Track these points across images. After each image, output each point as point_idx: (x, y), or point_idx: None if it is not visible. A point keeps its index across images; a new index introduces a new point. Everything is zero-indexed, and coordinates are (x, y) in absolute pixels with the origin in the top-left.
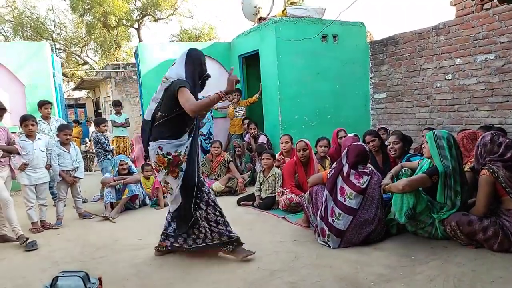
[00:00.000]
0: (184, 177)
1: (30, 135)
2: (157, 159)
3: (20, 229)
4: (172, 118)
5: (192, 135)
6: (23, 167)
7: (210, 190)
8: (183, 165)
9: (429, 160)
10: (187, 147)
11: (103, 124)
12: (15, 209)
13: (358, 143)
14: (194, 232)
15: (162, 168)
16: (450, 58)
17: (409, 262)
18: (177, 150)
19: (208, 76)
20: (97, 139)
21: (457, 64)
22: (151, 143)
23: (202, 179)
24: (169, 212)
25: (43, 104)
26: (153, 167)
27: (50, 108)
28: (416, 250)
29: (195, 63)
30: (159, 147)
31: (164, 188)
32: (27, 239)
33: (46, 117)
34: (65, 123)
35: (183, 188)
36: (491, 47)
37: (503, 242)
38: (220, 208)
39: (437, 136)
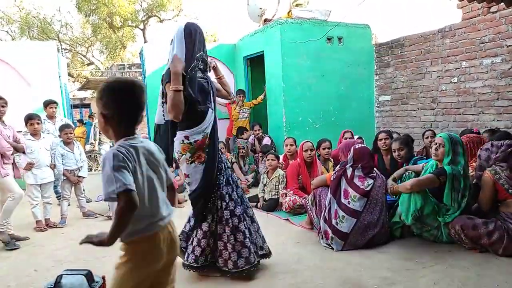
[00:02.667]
0: (207, 162)
1: (35, 134)
2: (181, 148)
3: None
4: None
5: (213, 110)
6: (29, 166)
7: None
8: (209, 149)
9: (435, 163)
10: (209, 124)
11: None
12: (19, 207)
13: (362, 145)
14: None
15: (186, 153)
16: (456, 61)
17: (413, 266)
18: (203, 133)
19: (202, 55)
20: None
21: (463, 67)
22: (177, 133)
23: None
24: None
25: (49, 104)
26: (176, 157)
27: (56, 108)
28: (420, 254)
29: (197, 38)
30: (185, 136)
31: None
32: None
33: (51, 117)
34: (70, 122)
35: (206, 174)
36: (497, 50)
37: (508, 246)
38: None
39: (454, 141)
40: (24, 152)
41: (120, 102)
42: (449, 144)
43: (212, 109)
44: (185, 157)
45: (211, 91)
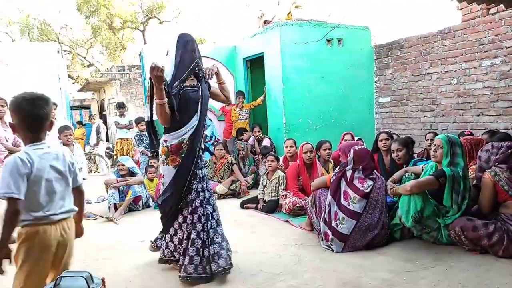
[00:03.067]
0: (181, 166)
1: None
2: (161, 150)
3: None
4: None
5: (198, 118)
6: None
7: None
8: (184, 154)
9: (434, 164)
10: (192, 128)
11: (140, 123)
12: None
13: (362, 147)
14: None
15: (163, 156)
16: (456, 63)
17: (413, 267)
18: (180, 139)
19: (198, 63)
20: (142, 137)
21: (462, 69)
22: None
23: (200, 184)
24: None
25: None
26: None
27: (55, 109)
28: (420, 255)
29: (186, 47)
30: (164, 139)
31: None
32: None
33: None
34: (69, 124)
35: (177, 178)
36: (496, 51)
37: (508, 248)
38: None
39: (453, 143)
40: None
41: (22, 113)
42: (447, 146)
43: (197, 117)
44: (161, 159)
45: (200, 100)
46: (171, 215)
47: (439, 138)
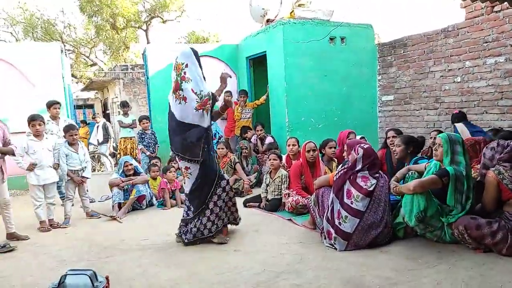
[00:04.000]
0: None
1: (37, 135)
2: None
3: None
4: None
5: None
6: (31, 167)
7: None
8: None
9: (437, 163)
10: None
11: (141, 122)
12: (24, 208)
13: (367, 146)
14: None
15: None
16: (459, 61)
17: (416, 266)
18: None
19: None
20: (143, 136)
21: (466, 67)
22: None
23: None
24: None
25: (52, 104)
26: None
27: (59, 108)
28: (423, 254)
29: (199, 62)
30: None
31: (184, 174)
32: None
33: (54, 117)
34: (73, 123)
35: (203, 167)
36: (501, 49)
37: None
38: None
39: (453, 141)
40: (14, 154)
41: None
42: (448, 144)
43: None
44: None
45: None
46: (209, 193)
47: (439, 137)
